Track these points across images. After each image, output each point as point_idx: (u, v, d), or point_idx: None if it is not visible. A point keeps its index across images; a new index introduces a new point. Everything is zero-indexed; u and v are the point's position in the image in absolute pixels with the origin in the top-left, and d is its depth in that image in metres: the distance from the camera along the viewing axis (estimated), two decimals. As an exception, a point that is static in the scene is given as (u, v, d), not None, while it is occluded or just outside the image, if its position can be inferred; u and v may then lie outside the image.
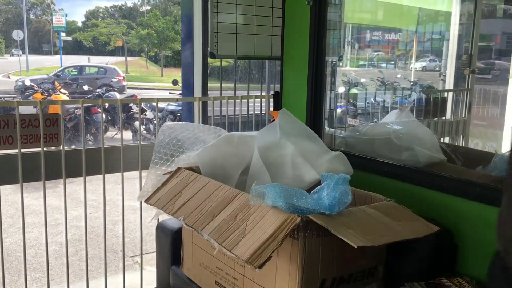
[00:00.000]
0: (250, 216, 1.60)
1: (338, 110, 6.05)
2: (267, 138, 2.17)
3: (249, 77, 2.91)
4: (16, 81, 16.54)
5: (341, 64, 3.43)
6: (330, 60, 2.72)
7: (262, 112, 2.84)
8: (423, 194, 1.98)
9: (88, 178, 2.39)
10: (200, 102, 2.57)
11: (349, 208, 1.62)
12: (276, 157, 2.14)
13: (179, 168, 2.05)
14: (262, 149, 2.11)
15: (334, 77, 2.95)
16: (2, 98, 10.53)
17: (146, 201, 2.01)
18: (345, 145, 2.61)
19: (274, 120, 2.32)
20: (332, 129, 2.79)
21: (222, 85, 2.83)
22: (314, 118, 2.51)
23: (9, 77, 25.18)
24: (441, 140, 2.79)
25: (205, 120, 2.59)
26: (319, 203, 1.57)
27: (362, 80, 7.66)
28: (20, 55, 34.12)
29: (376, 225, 1.54)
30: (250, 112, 2.80)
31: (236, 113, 2.74)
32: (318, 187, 1.61)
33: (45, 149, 2.20)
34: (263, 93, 2.91)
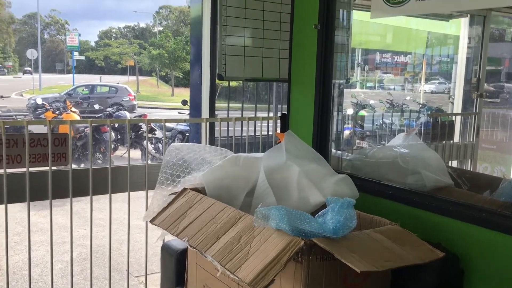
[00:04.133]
0: (254, 238, 1.60)
1: (346, 132, 6.06)
2: (273, 160, 2.18)
3: (256, 98, 2.93)
4: (28, 99, 16.78)
5: (351, 84, 3.44)
6: (337, 82, 2.74)
7: (269, 133, 2.86)
8: (429, 218, 1.96)
9: (95, 196, 2.40)
10: (208, 123, 2.59)
11: (354, 232, 1.61)
12: (282, 179, 2.14)
13: (184, 189, 2.06)
14: (268, 171, 2.12)
15: (341, 99, 2.96)
16: (15, 116, 10.67)
17: (151, 221, 2.02)
18: (351, 167, 2.61)
19: (280, 142, 2.33)
20: (339, 151, 2.79)
21: (230, 105, 2.85)
22: (321, 140, 2.52)
23: (22, 95, 25.56)
24: (449, 164, 2.78)
25: (212, 140, 2.61)
26: (323, 226, 1.56)
27: (371, 101, 7.68)
28: (32, 74, 34.67)
29: (381, 250, 1.52)
30: (257, 133, 2.82)
31: (243, 134, 2.76)
32: (323, 210, 1.61)
33: (53, 168, 2.22)
34: (271, 114, 2.93)
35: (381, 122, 4.91)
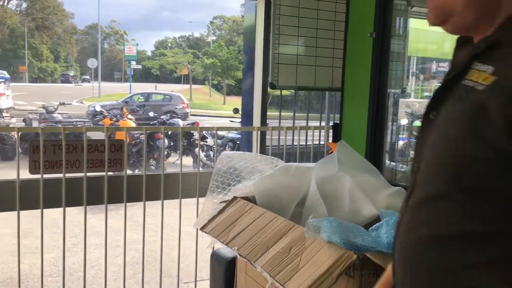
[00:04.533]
0: (304, 250, 1.57)
1: (401, 143, 5.88)
2: (325, 170, 2.14)
3: (308, 107, 2.91)
4: (88, 106, 17.51)
5: (406, 94, 3.34)
6: (392, 91, 2.67)
7: (321, 143, 2.82)
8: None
9: (148, 202, 2.45)
10: (259, 131, 2.58)
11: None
12: (334, 189, 2.10)
13: (235, 197, 2.06)
14: (319, 181, 2.08)
15: (396, 108, 2.88)
16: (75, 123, 11.15)
17: (202, 229, 2.03)
18: (406, 179, 2.52)
19: (332, 152, 2.29)
20: (393, 163, 2.71)
21: (282, 114, 2.84)
22: (374, 151, 2.45)
23: (82, 103, 26.73)
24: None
25: (263, 149, 2.60)
26: (377, 241, 1.51)
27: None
28: (90, 82, 36.06)
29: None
30: (308, 143, 2.79)
31: (294, 143, 2.74)
32: (377, 224, 1.56)
33: (109, 173, 2.29)
34: (323, 124, 2.89)
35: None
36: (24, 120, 10.50)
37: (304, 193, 2.12)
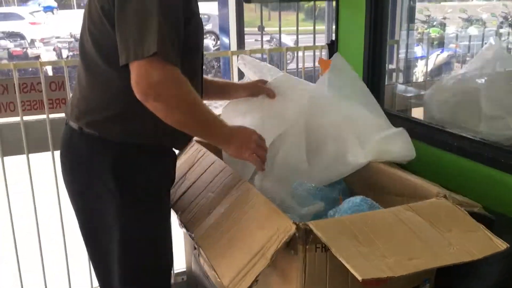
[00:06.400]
0: (243, 216, 1.24)
1: (444, 55, 5.16)
2: (313, 99, 1.70)
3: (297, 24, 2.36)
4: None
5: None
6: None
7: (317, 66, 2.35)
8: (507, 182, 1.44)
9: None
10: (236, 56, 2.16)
11: (374, 211, 1.18)
12: (320, 124, 1.69)
13: (191, 140, 1.71)
14: (306, 112, 1.66)
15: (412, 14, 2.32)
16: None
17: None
18: (410, 108, 2.06)
19: (323, 73, 1.85)
20: (402, 86, 2.22)
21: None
22: (373, 72, 1.99)
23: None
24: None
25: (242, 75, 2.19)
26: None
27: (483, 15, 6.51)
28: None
29: (408, 240, 1.08)
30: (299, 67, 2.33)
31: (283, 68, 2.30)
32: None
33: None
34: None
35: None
36: (54, 49, 10.37)
37: (286, 127, 1.70)
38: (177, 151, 1.75)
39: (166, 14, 1.10)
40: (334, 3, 2.15)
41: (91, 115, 1.26)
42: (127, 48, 1.11)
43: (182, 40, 1.17)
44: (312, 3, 2.69)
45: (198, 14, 1.29)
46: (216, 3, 3.82)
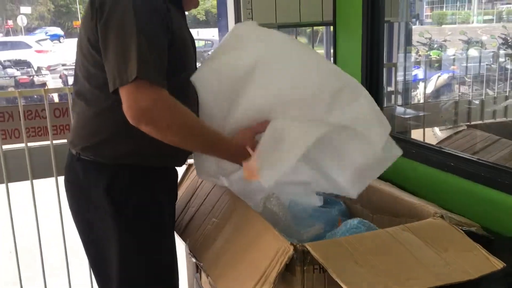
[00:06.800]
0: (244, 240, 1.25)
1: (444, 77, 5.19)
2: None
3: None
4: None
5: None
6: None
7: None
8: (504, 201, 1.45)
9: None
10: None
11: (371, 232, 1.20)
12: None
13: (190, 166, 1.75)
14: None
15: (409, 38, 2.38)
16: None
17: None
18: (410, 129, 2.08)
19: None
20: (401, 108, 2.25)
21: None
22: (371, 95, 2.01)
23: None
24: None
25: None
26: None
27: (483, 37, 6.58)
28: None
29: (405, 260, 1.09)
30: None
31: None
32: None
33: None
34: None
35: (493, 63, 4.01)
36: (60, 77, 10.53)
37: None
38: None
39: (145, 37, 1.12)
40: (332, 28, 2.20)
41: (86, 140, 1.30)
42: (113, 74, 1.14)
43: (167, 60, 1.18)
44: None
45: (184, 34, 1.30)
46: (217, 29, 3.91)
